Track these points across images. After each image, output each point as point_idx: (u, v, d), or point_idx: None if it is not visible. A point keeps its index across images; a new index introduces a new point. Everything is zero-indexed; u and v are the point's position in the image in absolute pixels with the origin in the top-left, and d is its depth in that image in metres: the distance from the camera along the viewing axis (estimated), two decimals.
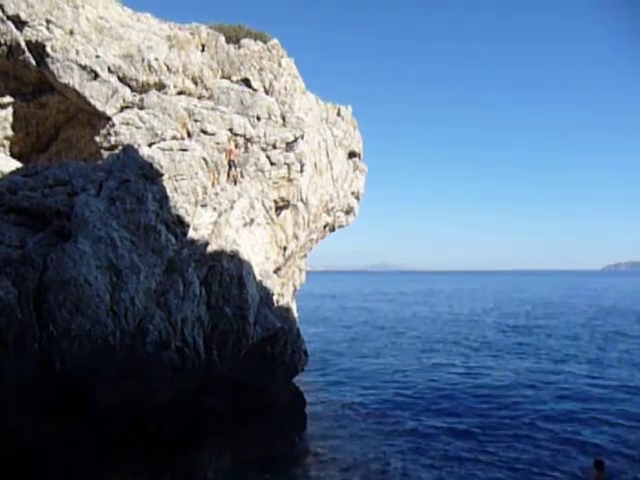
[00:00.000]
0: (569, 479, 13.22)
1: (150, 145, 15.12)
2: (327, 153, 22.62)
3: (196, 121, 16.68)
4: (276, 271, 18.64)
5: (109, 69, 15.69)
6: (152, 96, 16.17)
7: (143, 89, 16.36)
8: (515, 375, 26.45)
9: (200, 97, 17.83)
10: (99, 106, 15.40)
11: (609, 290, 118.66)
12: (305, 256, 23.99)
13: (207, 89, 18.07)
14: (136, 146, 14.69)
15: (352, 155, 25.57)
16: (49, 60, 15.17)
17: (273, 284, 17.62)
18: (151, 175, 13.96)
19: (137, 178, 13.65)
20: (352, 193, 26.02)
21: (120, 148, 14.88)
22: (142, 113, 15.79)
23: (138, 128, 15.41)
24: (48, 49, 15.11)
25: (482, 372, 27.36)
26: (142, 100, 15.97)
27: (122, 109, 15.73)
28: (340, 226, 26.07)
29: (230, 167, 16.86)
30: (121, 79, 15.94)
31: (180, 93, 17.35)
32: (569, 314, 58.92)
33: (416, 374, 27.56)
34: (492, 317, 56.81)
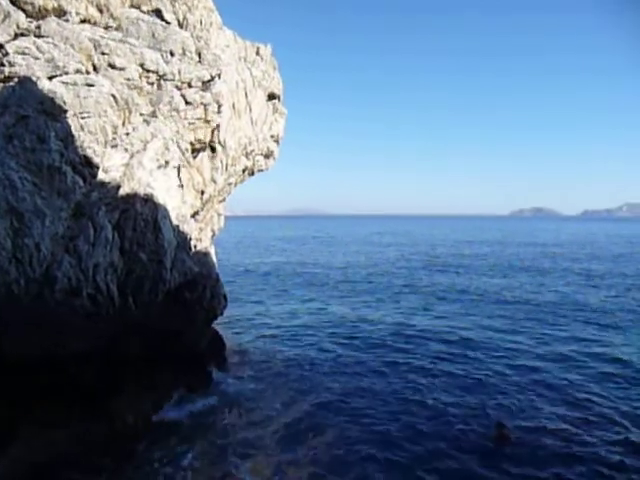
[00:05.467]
0: (474, 437, 13.56)
1: (51, 78, 13.82)
2: (246, 94, 21.85)
3: (103, 54, 15.38)
4: (194, 215, 18.18)
5: None
6: (51, 23, 14.64)
7: (40, 15, 14.76)
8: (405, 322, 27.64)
9: (106, 27, 16.38)
10: None
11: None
12: (224, 200, 23.52)
13: (114, 19, 16.62)
14: (34, 79, 13.37)
15: (272, 97, 24.87)
16: None
17: (190, 229, 17.24)
18: (53, 111, 12.86)
19: (37, 114, 12.54)
20: (272, 136, 25.51)
21: (16, 80, 13.49)
22: (40, 42, 14.30)
23: (36, 59, 13.97)
24: None
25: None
26: (39, 27, 14.42)
27: (16, 36, 14.14)
28: (260, 170, 25.64)
29: None
30: (13, 2, 14.25)
31: (83, 22, 15.83)
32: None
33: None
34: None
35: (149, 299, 14.90)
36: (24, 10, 14.43)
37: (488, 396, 16.30)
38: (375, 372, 18.83)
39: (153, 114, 16.03)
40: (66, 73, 14.00)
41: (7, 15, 13.93)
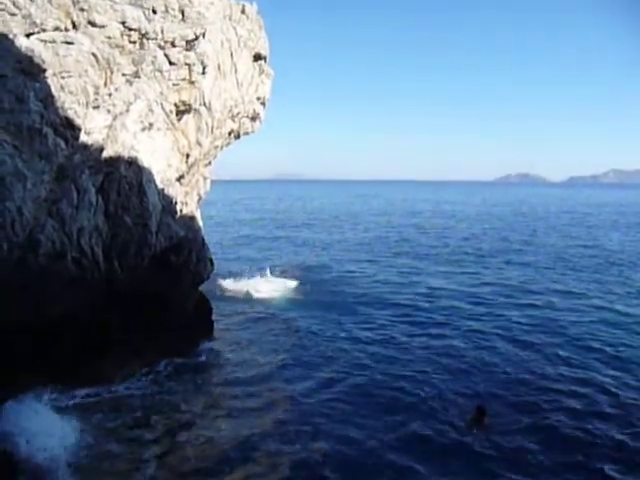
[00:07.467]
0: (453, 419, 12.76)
1: (28, 36, 13.34)
2: (231, 54, 21.29)
3: (82, 10, 14.82)
4: (179, 179, 17.97)
5: None
6: None
7: None
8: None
9: None
10: None
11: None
12: (209, 164, 23.23)
13: None
14: (11, 36, 12.90)
15: (258, 58, 24.23)
16: None
17: (176, 192, 17.09)
18: (32, 70, 12.47)
19: (15, 73, 12.15)
20: (258, 98, 25.00)
21: None
22: None
23: (12, 15, 13.43)
24: None
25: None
26: None
27: None
28: (245, 133, 25.25)
29: None
30: None
31: None
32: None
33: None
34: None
35: (135, 263, 14.88)
36: None
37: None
38: (368, 342, 18.82)
39: (136, 74, 15.63)
40: (44, 30, 13.53)
41: None
